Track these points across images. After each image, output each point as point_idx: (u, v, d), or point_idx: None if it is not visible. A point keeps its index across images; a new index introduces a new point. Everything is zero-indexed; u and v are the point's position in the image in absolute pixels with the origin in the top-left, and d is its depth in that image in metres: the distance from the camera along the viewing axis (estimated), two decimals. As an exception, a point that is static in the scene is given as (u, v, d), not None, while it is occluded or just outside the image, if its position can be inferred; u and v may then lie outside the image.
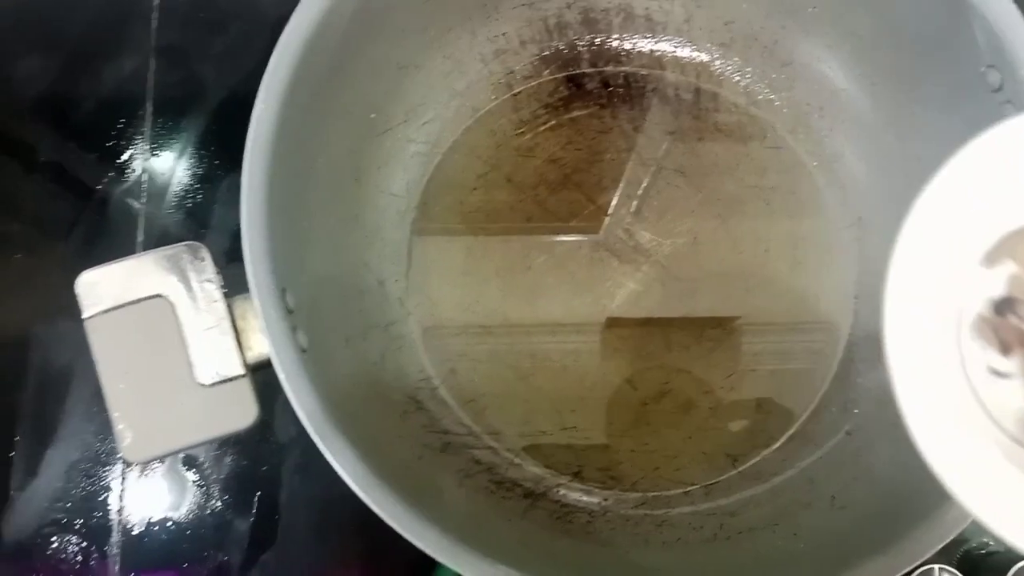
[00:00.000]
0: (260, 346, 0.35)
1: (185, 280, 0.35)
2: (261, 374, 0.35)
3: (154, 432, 0.33)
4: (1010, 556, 0.47)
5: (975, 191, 0.26)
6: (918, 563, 0.34)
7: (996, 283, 0.27)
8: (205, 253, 0.35)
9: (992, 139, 0.27)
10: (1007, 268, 0.27)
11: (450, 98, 0.51)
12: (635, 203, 0.51)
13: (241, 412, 0.34)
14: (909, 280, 0.26)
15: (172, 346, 0.34)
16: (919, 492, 0.36)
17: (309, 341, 0.36)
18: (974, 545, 0.50)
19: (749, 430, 0.48)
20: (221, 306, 0.35)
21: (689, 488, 0.46)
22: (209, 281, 0.35)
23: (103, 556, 0.50)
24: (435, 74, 0.50)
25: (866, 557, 0.34)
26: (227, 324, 0.34)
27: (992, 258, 0.27)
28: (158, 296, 0.34)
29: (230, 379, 0.34)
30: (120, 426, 0.33)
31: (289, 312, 0.36)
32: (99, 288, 0.34)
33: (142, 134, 0.57)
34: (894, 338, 0.26)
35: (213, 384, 0.34)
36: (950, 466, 0.25)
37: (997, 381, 0.27)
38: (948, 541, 0.34)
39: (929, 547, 0.34)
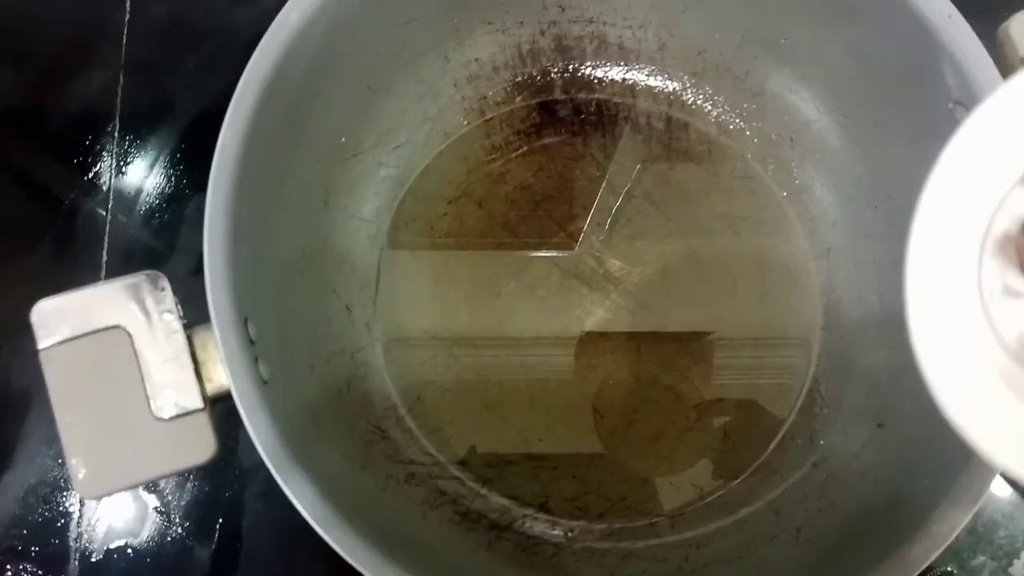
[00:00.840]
0: (221, 378, 0.34)
1: (144, 311, 0.34)
2: (223, 404, 0.35)
3: (109, 467, 0.32)
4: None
5: (1015, 116, 0.26)
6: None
7: None
8: (165, 283, 0.34)
9: None
10: None
11: (422, 122, 0.51)
12: (605, 231, 0.51)
13: (199, 446, 0.33)
14: (943, 195, 0.26)
15: (129, 379, 0.33)
16: (883, 528, 0.37)
17: (272, 371, 0.36)
18: (938, 573, 0.50)
19: (716, 461, 0.47)
20: (180, 337, 0.34)
21: (655, 519, 0.46)
22: (169, 312, 0.34)
23: (61, 584, 0.49)
24: (407, 98, 0.50)
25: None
26: (186, 356, 0.34)
27: None
28: (116, 327, 0.34)
29: (188, 412, 0.33)
30: (73, 461, 0.32)
31: (251, 343, 0.35)
32: (55, 318, 0.33)
33: (110, 150, 0.56)
34: (918, 253, 0.26)
35: (171, 418, 0.33)
36: (946, 384, 0.25)
37: (1009, 301, 0.27)
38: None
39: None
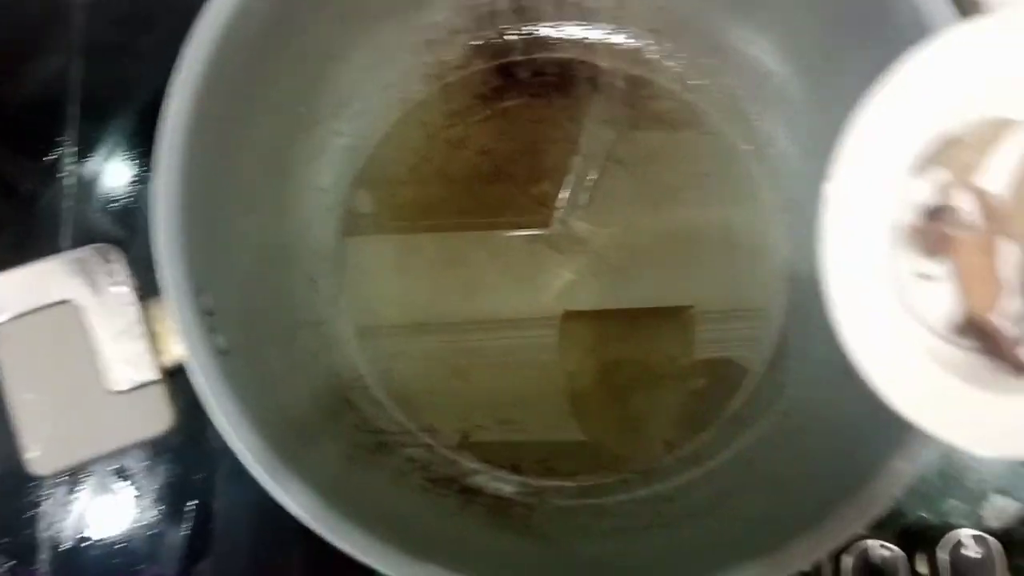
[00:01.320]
0: (176, 350, 0.34)
1: (94, 284, 0.33)
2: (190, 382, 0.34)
3: (64, 443, 0.32)
4: (944, 529, 0.47)
5: (909, 103, 0.27)
6: (847, 537, 0.34)
7: (928, 191, 0.28)
8: (116, 255, 0.34)
9: (924, 53, 0.28)
10: (939, 176, 0.28)
11: (380, 90, 0.50)
12: (570, 193, 0.50)
13: (156, 418, 0.33)
14: (846, 191, 0.27)
15: (81, 353, 0.33)
16: (850, 469, 0.37)
17: (231, 342, 0.35)
18: (911, 520, 0.50)
19: (685, 415, 0.47)
20: (133, 309, 0.33)
21: (627, 476, 0.46)
22: (120, 284, 0.34)
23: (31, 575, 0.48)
24: (364, 65, 0.49)
25: (798, 535, 0.34)
26: (140, 328, 0.33)
27: (924, 167, 0.28)
28: (66, 302, 0.33)
29: (144, 384, 0.33)
30: (26, 438, 0.32)
31: (208, 314, 0.35)
32: (2, 295, 0.33)
33: (68, 135, 0.55)
34: (830, 250, 0.27)
35: (126, 390, 0.33)
36: (878, 368, 0.26)
37: (925, 285, 0.28)
38: (878, 516, 0.34)
39: (856, 522, 0.34)
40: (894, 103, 0.27)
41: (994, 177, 0.28)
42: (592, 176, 0.51)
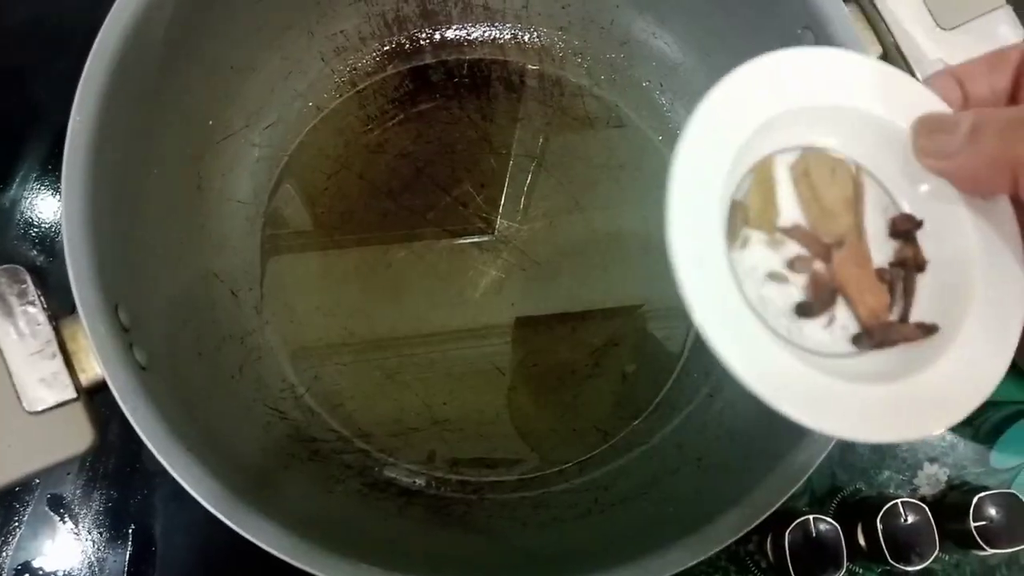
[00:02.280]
0: (94, 367, 0.33)
1: (5, 305, 0.33)
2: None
3: (-18, 466, 0.31)
4: (880, 500, 0.49)
5: (738, 113, 0.28)
6: (769, 512, 0.35)
7: (760, 255, 0.29)
8: (25, 276, 0.34)
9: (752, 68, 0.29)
10: (755, 238, 0.29)
11: (292, 99, 0.50)
12: (490, 192, 0.51)
13: (76, 437, 0.32)
14: (686, 197, 0.27)
15: (-5, 375, 0.32)
16: (775, 443, 0.38)
17: (152, 357, 0.35)
18: (848, 493, 0.52)
19: (617, 403, 0.48)
20: (47, 329, 0.33)
21: (563, 466, 0.46)
22: (31, 304, 0.33)
23: (-31, 613, 0.47)
24: (274, 75, 0.49)
25: (725, 510, 0.35)
26: (54, 347, 0.33)
27: (736, 237, 0.29)
28: (-24, 325, 0.32)
29: (62, 404, 0.32)
30: (-59, 465, 0.31)
31: (124, 329, 0.34)
32: (-92, 321, 0.32)
33: (-22, 165, 0.54)
34: (679, 247, 0.27)
35: (43, 411, 0.32)
36: (734, 354, 0.26)
37: (774, 285, 0.29)
38: (816, 490, 0.35)
39: (780, 494, 0.35)
40: (724, 109, 0.28)
41: (788, 203, 0.29)
42: (510, 174, 0.51)
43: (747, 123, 0.28)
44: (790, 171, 0.29)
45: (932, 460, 0.53)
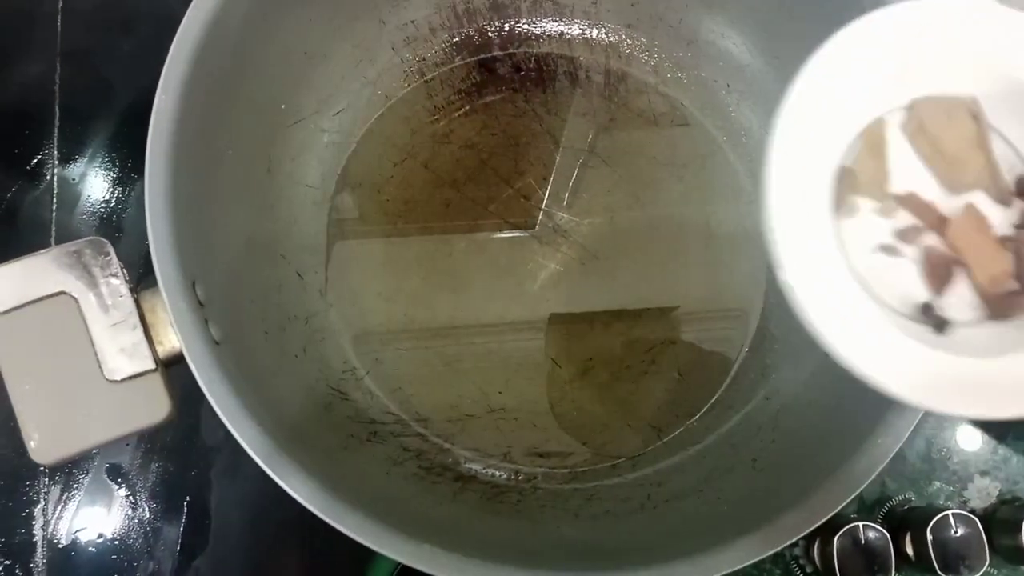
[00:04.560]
0: (172, 340, 0.34)
1: (89, 276, 0.34)
2: (184, 378, 0.34)
3: (63, 432, 0.32)
4: (929, 510, 0.49)
5: (838, 75, 0.27)
6: (830, 515, 0.35)
7: (866, 226, 0.28)
8: (109, 248, 0.34)
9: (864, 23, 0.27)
10: (862, 207, 0.28)
11: (361, 87, 0.51)
12: (553, 186, 0.51)
13: (153, 407, 0.33)
14: (786, 160, 0.26)
15: (79, 344, 0.33)
16: (833, 448, 0.38)
17: (224, 334, 0.36)
18: (897, 502, 0.51)
19: (672, 401, 0.48)
20: (128, 300, 0.34)
21: (616, 461, 0.47)
22: (114, 276, 0.34)
23: (28, 574, 0.48)
24: (345, 63, 0.50)
25: (783, 512, 0.35)
26: (135, 319, 0.34)
27: (841, 206, 0.27)
28: (62, 293, 0.33)
29: (141, 374, 0.33)
30: (27, 428, 0.32)
31: (200, 305, 0.35)
32: (-1, 288, 0.33)
33: (51, 140, 0.55)
34: (776, 215, 0.26)
35: (123, 380, 0.33)
36: (836, 331, 0.26)
37: (887, 259, 0.27)
38: (866, 497, 0.35)
39: (839, 499, 0.35)
40: (826, 71, 0.27)
41: (905, 169, 0.28)
42: (573, 168, 0.52)
43: (856, 84, 0.26)
44: (903, 130, 0.27)
45: (984, 473, 0.52)
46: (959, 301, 0.27)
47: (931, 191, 0.27)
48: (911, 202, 0.27)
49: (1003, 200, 0.27)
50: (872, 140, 0.27)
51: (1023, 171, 0.27)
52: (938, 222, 0.27)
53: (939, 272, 0.27)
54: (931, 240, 0.27)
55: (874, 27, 0.27)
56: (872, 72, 0.27)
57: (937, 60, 0.27)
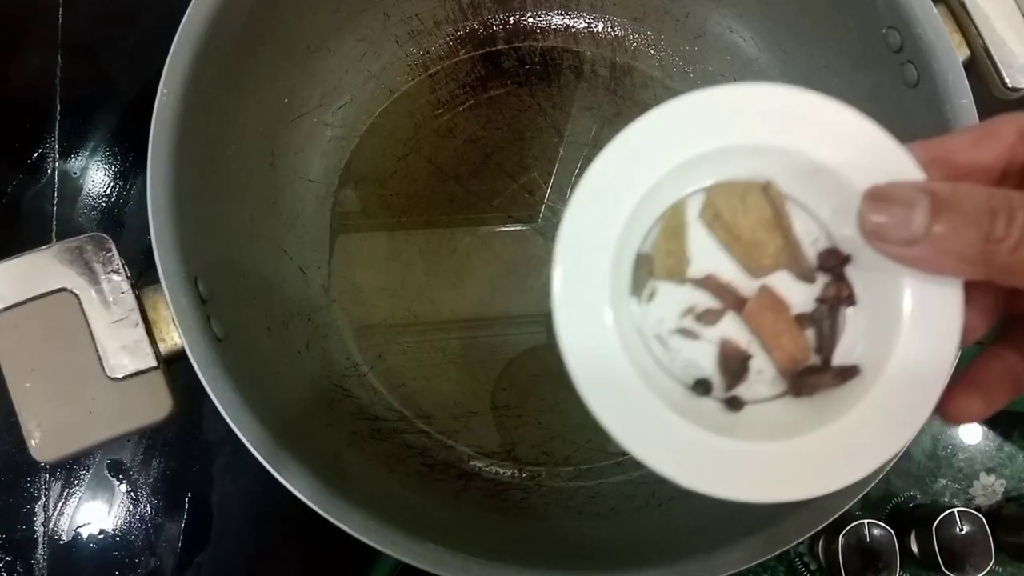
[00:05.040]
0: (174, 336, 0.34)
1: (90, 272, 0.33)
2: (186, 373, 0.34)
3: (64, 430, 0.32)
4: (935, 508, 0.48)
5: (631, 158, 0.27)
6: (838, 514, 0.35)
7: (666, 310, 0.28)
8: (110, 244, 0.34)
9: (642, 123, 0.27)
10: (662, 289, 0.28)
11: (365, 81, 0.50)
12: (557, 181, 0.51)
13: (155, 404, 0.33)
14: (574, 254, 0.26)
15: (80, 341, 0.33)
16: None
17: (226, 330, 0.36)
18: (902, 499, 0.51)
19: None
20: (130, 297, 0.33)
21: (620, 458, 0.46)
22: (116, 272, 0.34)
23: (29, 570, 0.48)
24: (349, 57, 0.49)
25: (790, 512, 0.35)
26: (137, 315, 0.33)
27: (642, 289, 0.27)
28: (63, 290, 0.33)
29: (142, 372, 0.33)
30: (28, 426, 0.32)
31: (203, 301, 0.35)
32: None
33: (52, 134, 0.55)
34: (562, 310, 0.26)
35: (124, 377, 0.33)
36: (619, 424, 0.26)
37: (684, 342, 0.27)
38: (871, 495, 0.35)
39: (847, 499, 0.35)
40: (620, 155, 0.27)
41: (707, 251, 0.27)
42: (578, 163, 0.51)
43: (650, 170, 0.26)
44: (700, 216, 0.27)
45: (989, 471, 0.52)
46: (759, 377, 0.27)
47: (732, 272, 0.28)
48: (709, 284, 0.27)
49: (806, 277, 0.27)
50: (670, 224, 0.27)
51: (826, 245, 0.28)
52: (738, 303, 0.27)
53: (733, 367, 0.27)
54: (730, 325, 0.27)
55: (670, 114, 0.26)
56: (667, 158, 0.26)
57: (731, 145, 0.26)
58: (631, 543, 0.42)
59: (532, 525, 0.44)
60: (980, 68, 0.40)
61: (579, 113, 0.52)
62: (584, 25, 0.53)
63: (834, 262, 0.27)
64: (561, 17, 0.53)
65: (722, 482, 0.26)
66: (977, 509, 0.49)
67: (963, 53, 0.40)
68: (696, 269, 0.27)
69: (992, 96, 0.40)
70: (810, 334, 0.28)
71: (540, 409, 0.47)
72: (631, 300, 0.27)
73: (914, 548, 0.48)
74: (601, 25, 0.53)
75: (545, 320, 0.49)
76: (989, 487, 0.52)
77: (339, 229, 0.49)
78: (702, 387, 0.27)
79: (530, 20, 0.53)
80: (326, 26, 0.47)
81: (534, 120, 0.51)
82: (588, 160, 0.50)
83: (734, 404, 0.27)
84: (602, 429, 0.26)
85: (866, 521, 0.46)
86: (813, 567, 0.50)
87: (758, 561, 0.35)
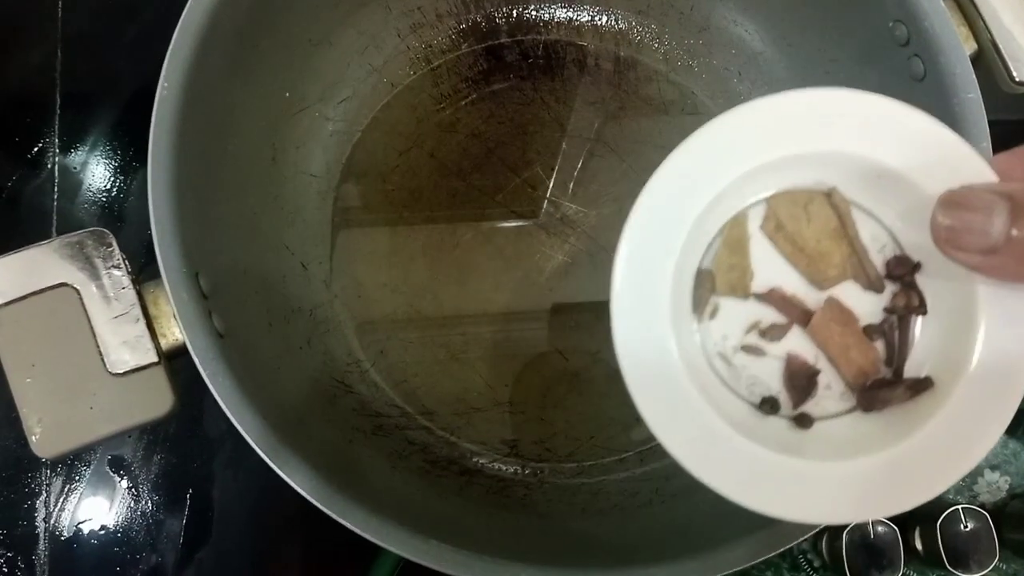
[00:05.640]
0: (175, 332, 0.34)
1: (91, 267, 0.33)
2: (187, 369, 0.34)
3: (65, 425, 0.32)
4: (939, 505, 0.48)
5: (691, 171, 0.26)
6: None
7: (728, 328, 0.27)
8: (111, 239, 0.34)
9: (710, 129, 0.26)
10: (726, 306, 0.27)
11: (367, 74, 0.50)
12: (560, 175, 0.51)
13: (156, 400, 0.33)
14: (633, 272, 0.26)
15: (81, 336, 0.33)
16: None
17: (227, 326, 0.35)
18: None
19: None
20: (131, 292, 0.33)
21: (624, 455, 0.46)
22: (116, 267, 0.33)
23: (30, 566, 0.48)
24: (350, 50, 0.49)
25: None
26: (138, 311, 0.33)
27: (703, 308, 0.27)
28: (64, 285, 0.33)
29: (143, 367, 0.33)
30: (29, 421, 0.32)
31: (204, 297, 0.35)
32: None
33: (52, 129, 0.55)
34: (621, 330, 0.26)
35: (125, 373, 0.33)
36: (685, 450, 0.25)
37: (748, 359, 0.27)
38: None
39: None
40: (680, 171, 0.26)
41: (770, 265, 0.27)
42: (580, 157, 0.51)
43: (710, 183, 0.26)
44: (762, 229, 0.27)
45: (994, 468, 0.52)
46: (828, 393, 0.27)
47: (796, 285, 0.27)
48: (773, 299, 0.27)
49: (874, 287, 0.27)
50: (732, 237, 0.27)
51: (895, 252, 0.27)
52: (804, 316, 0.27)
53: (799, 383, 0.27)
54: (796, 339, 0.27)
55: (728, 125, 0.26)
56: (727, 170, 0.26)
57: (793, 153, 0.26)
58: (634, 540, 0.41)
59: (535, 521, 0.44)
60: (987, 62, 0.40)
61: (582, 107, 0.51)
62: (588, 18, 0.52)
63: (903, 270, 0.26)
64: (565, 10, 0.52)
65: (793, 504, 0.25)
66: (981, 506, 0.48)
67: (970, 47, 0.40)
68: (759, 283, 0.27)
69: (999, 90, 0.40)
70: (879, 346, 0.27)
71: (542, 405, 0.47)
72: (692, 318, 0.27)
73: (918, 545, 0.48)
74: (605, 18, 0.52)
75: (547, 316, 0.49)
76: (993, 484, 0.52)
77: (340, 224, 0.49)
78: (769, 405, 0.27)
79: (533, 13, 0.52)
80: (328, 19, 0.47)
81: (537, 114, 0.51)
82: (593, 155, 0.51)
83: (803, 421, 0.27)
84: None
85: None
86: (817, 564, 0.50)
87: (762, 559, 0.34)
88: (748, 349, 0.27)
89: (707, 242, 0.27)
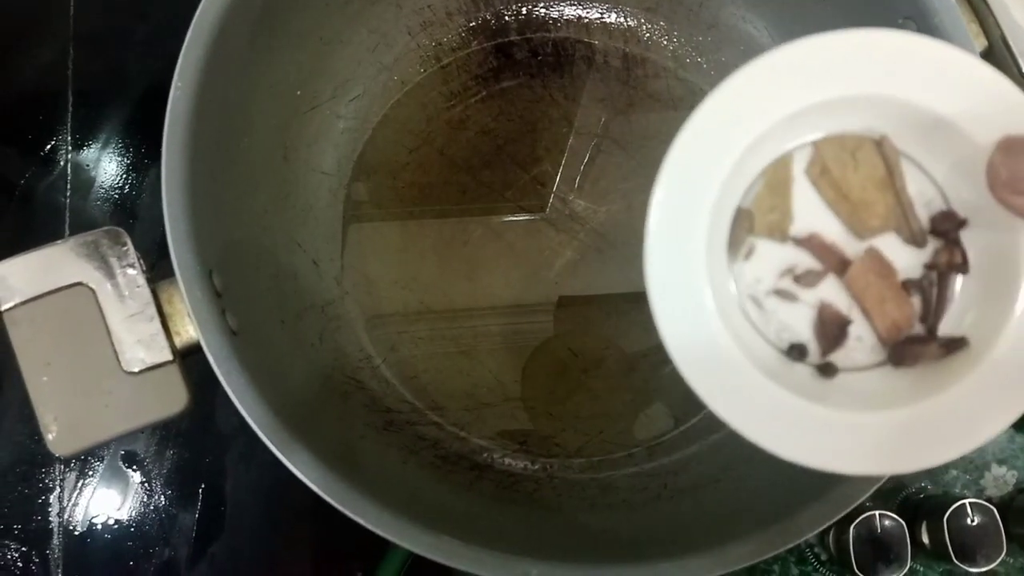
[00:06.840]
0: (189, 330, 0.34)
1: (106, 266, 0.34)
2: (200, 365, 0.34)
3: (81, 423, 0.32)
4: (946, 499, 0.48)
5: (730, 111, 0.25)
6: (852, 507, 0.34)
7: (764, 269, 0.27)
8: (126, 238, 0.34)
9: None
10: (762, 248, 0.27)
11: (378, 72, 0.50)
12: (569, 172, 0.51)
13: (171, 398, 0.33)
14: (670, 205, 0.25)
15: (96, 335, 0.33)
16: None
17: (240, 324, 0.36)
18: (912, 490, 0.51)
19: (689, 390, 0.48)
20: (145, 291, 0.34)
21: (633, 450, 0.46)
22: (131, 267, 0.34)
23: (44, 560, 0.49)
24: (361, 48, 0.49)
25: (803, 505, 0.35)
26: (152, 309, 0.33)
27: (739, 248, 0.26)
28: (79, 284, 0.33)
29: (158, 365, 0.33)
30: (45, 419, 0.32)
31: (217, 295, 0.35)
32: (15, 279, 0.33)
33: (64, 126, 0.55)
34: (655, 268, 0.25)
35: (140, 371, 0.33)
36: (712, 389, 0.25)
37: (780, 303, 0.26)
38: (881, 485, 0.35)
39: (861, 491, 0.35)
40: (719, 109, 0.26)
41: (812, 209, 0.26)
42: (589, 155, 0.51)
43: (757, 120, 0.25)
44: (806, 173, 0.26)
45: (1001, 462, 0.52)
46: (858, 344, 0.26)
47: (836, 232, 0.26)
48: (812, 244, 0.26)
49: (916, 241, 0.26)
50: (775, 179, 0.26)
51: (941, 207, 0.26)
52: (841, 265, 0.26)
53: (830, 332, 0.26)
54: (830, 287, 0.26)
55: (779, 61, 0.25)
56: (774, 109, 0.25)
57: (844, 95, 0.25)
58: (643, 535, 0.42)
59: (545, 516, 0.44)
60: (998, 58, 0.40)
61: (591, 104, 0.51)
62: (596, 16, 0.52)
63: (949, 226, 0.26)
64: (573, 8, 0.52)
65: (811, 450, 0.25)
66: (988, 500, 0.49)
67: (981, 43, 0.40)
68: (799, 227, 0.26)
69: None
70: (916, 301, 0.26)
71: (551, 401, 0.48)
72: (727, 257, 0.26)
73: (925, 539, 0.48)
74: (613, 16, 0.52)
75: (556, 311, 0.49)
76: (1001, 478, 0.52)
77: (352, 221, 0.49)
78: (797, 352, 0.26)
79: (542, 11, 0.52)
80: (339, 17, 0.47)
81: (546, 111, 0.51)
82: (601, 151, 0.51)
83: (827, 371, 0.26)
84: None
85: (877, 512, 0.46)
86: (824, 557, 0.50)
87: (770, 554, 0.34)
88: (781, 294, 0.26)
89: (748, 183, 0.26)
